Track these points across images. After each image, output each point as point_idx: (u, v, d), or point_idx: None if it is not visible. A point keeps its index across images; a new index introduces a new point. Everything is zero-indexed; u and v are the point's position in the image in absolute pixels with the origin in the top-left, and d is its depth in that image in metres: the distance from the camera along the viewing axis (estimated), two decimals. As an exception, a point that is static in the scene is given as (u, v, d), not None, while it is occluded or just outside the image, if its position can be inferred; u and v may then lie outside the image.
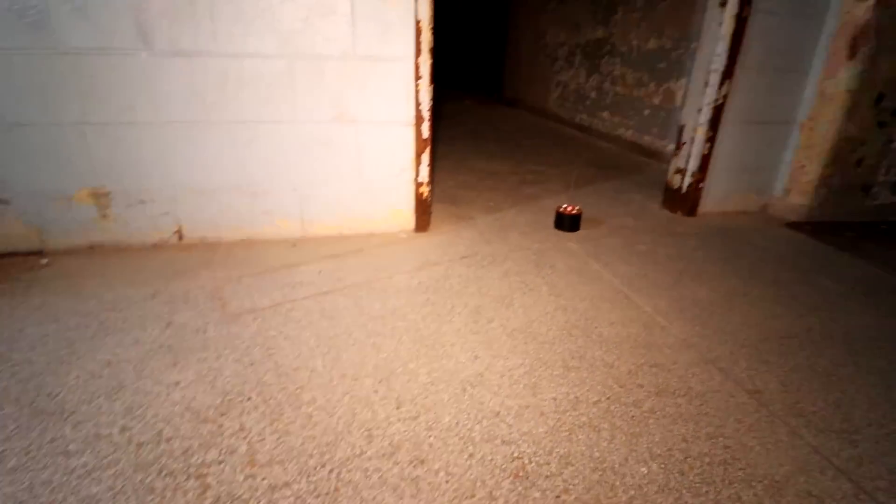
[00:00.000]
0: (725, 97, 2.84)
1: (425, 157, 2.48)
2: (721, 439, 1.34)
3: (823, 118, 2.91)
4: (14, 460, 1.18)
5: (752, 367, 1.64)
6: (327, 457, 1.22)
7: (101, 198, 2.20)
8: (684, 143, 3.02)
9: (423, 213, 2.60)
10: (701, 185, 3.05)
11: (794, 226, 3.05)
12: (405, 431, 1.31)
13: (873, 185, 3.15)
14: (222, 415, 1.34)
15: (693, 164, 3.00)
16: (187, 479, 1.15)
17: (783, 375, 1.61)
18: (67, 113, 2.03)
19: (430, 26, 2.25)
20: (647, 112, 4.73)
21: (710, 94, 2.83)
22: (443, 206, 3.03)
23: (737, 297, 2.11)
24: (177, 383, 1.45)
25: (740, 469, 1.25)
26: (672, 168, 3.16)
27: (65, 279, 2.00)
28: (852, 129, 2.89)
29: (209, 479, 1.15)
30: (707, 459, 1.27)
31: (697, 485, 1.20)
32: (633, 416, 1.41)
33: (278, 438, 1.27)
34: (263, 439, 1.26)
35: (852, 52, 2.74)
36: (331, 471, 1.18)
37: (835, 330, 1.89)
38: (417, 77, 2.32)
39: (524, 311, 1.91)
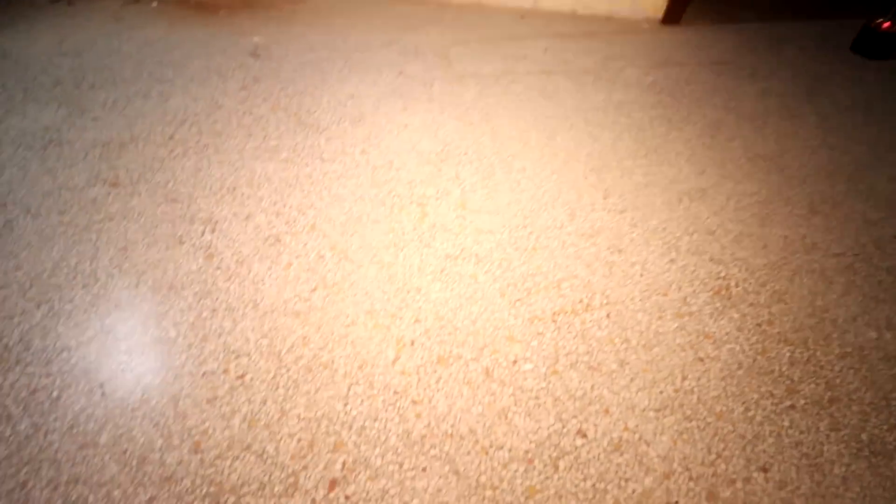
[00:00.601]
0: None
1: (708, -79, 1.92)
2: None
3: None
4: (285, 153, 1.47)
5: None
6: (529, 221, 1.28)
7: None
8: None
9: (679, 0, 2.14)
10: None
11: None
12: (608, 221, 1.29)
13: None
14: (442, 161, 1.45)
15: None
16: (410, 203, 1.32)
17: None
18: None
19: None
20: None
21: None
22: (703, -2, 2.46)
23: None
24: (406, 125, 1.58)
25: None
26: None
27: (318, 16, 2.18)
28: None
29: (427, 209, 1.31)
30: (970, 353, 1.04)
31: (944, 371, 1.01)
32: (880, 282, 1.18)
33: (488, 193, 1.35)
34: (475, 191, 1.36)
35: None
36: (531, 233, 1.25)
37: None
38: None
39: (777, 139, 1.58)
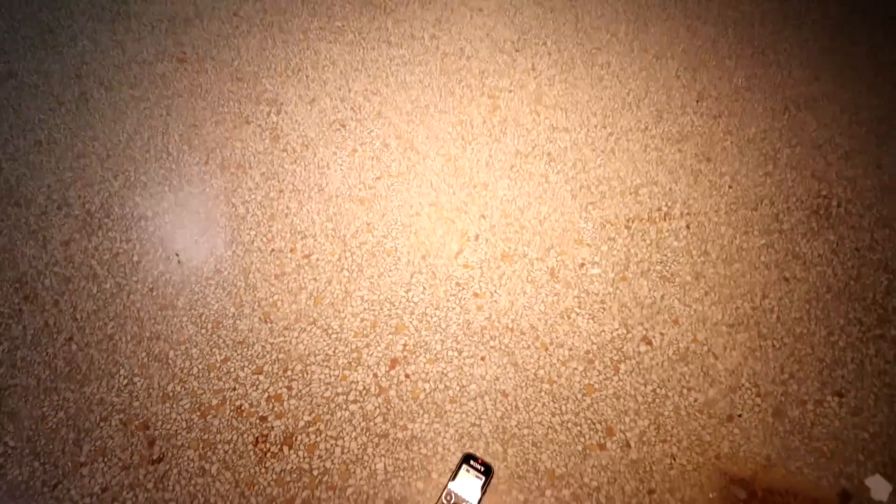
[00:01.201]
0: None
1: None
2: None
3: None
4: (351, 35, 1.38)
5: None
6: (609, 120, 1.17)
7: None
8: None
9: None
10: None
11: None
12: (699, 125, 1.16)
13: None
14: (517, 51, 1.33)
15: None
16: (481, 95, 1.24)
17: None
18: None
19: None
20: None
21: None
22: None
23: None
24: (480, 9, 1.45)
25: None
26: None
27: None
28: None
29: (499, 102, 1.22)
30: None
31: None
32: None
33: (566, 89, 1.24)
34: (553, 85, 1.25)
35: None
36: (610, 133, 1.15)
37: None
38: None
39: (912, 43, 1.35)
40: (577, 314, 0.90)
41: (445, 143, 1.14)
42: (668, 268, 0.95)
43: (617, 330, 0.88)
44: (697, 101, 1.21)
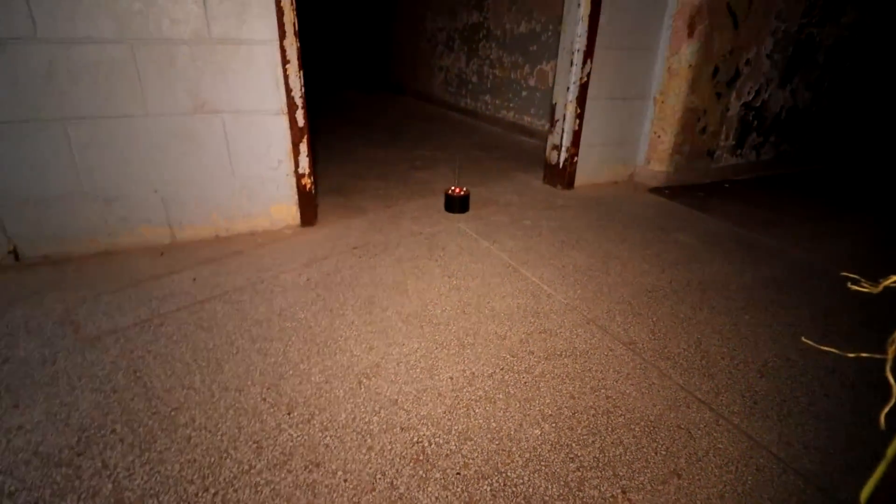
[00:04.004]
0: (588, 75, 3.04)
1: (304, 147, 2.36)
2: (603, 391, 1.44)
3: (672, 92, 3.23)
4: None
5: (627, 321, 1.79)
6: (210, 479, 1.11)
7: None
8: (557, 121, 3.20)
9: (309, 205, 2.48)
10: (575, 159, 3.25)
11: (655, 191, 3.37)
12: (298, 437, 1.24)
13: (716, 149, 3.58)
14: (79, 454, 1.17)
15: (567, 140, 3.19)
16: (37, 535, 0.99)
17: (652, 325, 1.78)
18: None
19: (293, 6, 2.12)
20: (524, 93, 4.94)
21: (576, 73, 3.01)
22: (330, 197, 2.92)
23: (611, 259, 2.29)
24: (19, 427, 1.24)
25: (621, 415, 1.35)
26: (549, 145, 3.33)
27: None
28: (696, 101, 3.25)
29: (66, 531, 0.99)
30: (592, 412, 1.36)
31: (585, 436, 1.27)
32: (525, 383, 1.46)
33: (151, 469, 1.13)
34: (132, 473, 1.12)
35: (691, 30, 3.06)
36: (215, 494, 1.08)
37: (692, 279, 2.13)
38: (285, 61, 2.18)
39: (418, 296, 1.90)
40: None
41: None
42: None
43: None
44: (289, 413, 1.31)
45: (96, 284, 1.89)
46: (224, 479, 1.11)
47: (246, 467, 1.14)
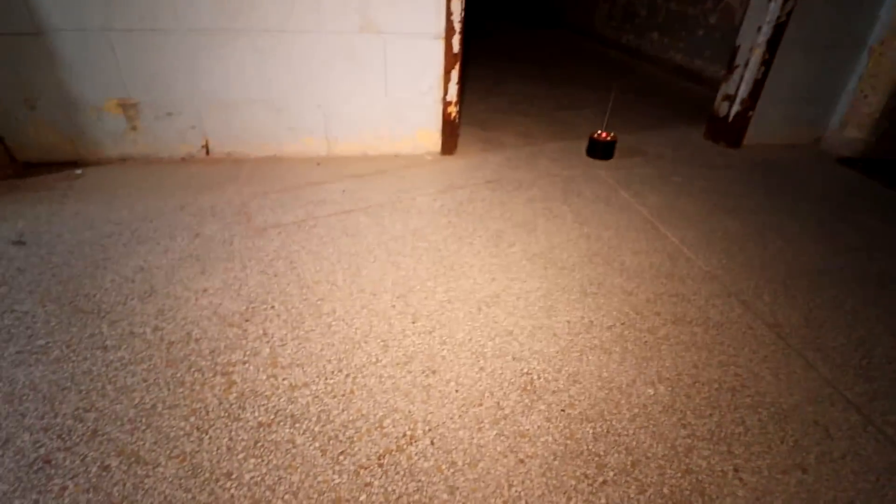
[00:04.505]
0: (790, 14, 2.56)
1: (455, 75, 2.37)
2: (733, 367, 1.34)
3: (898, 40, 2.60)
4: (57, 352, 1.29)
5: (776, 302, 1.61)
6: (344, 363, 1.28)
7: (129, 109, 2.21)
8: (737, 67, 2.78)
9: (451, 134, 2.52)
10: (750, 113, 2.84)
11: (846, 161, 2.84)
12: (419, 344, 1.35)
13: (944, 118, 2.87)
14: (247, 320, 1.41)
15: (743, 90, 2.78)
16: (214, 375, 1.23)
17: (807, 311, 1.57)
18: (92, 17, 2.00)
19: (463, -75, 2.06)
20: (700, 32, 4.34)
21: (773, 10, 2.55)
22: (471, 129, 2.94)
23: (770, 231, 2.02)
24: (205, 290, 1.52)
25: (748, 396, 1.25)
26: (720, 94, 2.94)
27: (98, 189, 2.07)
28: (930, 54, 2.59)
29: (234, 377, 1.23)
30: (716, 385, 1.28)
31: (702, 407, 1.21)
32: (645, 342, 1.41)
33: (299, 344, 1.33)
34: (285, 344, 1.33)
35: (946, -40, 2.39)
36: (347, 375, 1.24)
37: (870, 270, 1.81)
38: (448, -16, 2.16)
39: (546, 238, 1.88)
40: (350, 588, 0.84)
41: (178, 440, 1.07)
42: (424, 493, 0.99)
43: (392, 588, 0.85)
44: (413, 322, 1.43)
45: (266, 184, 2.17)
46: (355, 366, 1.27)
47: (374, 360, 1.29)
